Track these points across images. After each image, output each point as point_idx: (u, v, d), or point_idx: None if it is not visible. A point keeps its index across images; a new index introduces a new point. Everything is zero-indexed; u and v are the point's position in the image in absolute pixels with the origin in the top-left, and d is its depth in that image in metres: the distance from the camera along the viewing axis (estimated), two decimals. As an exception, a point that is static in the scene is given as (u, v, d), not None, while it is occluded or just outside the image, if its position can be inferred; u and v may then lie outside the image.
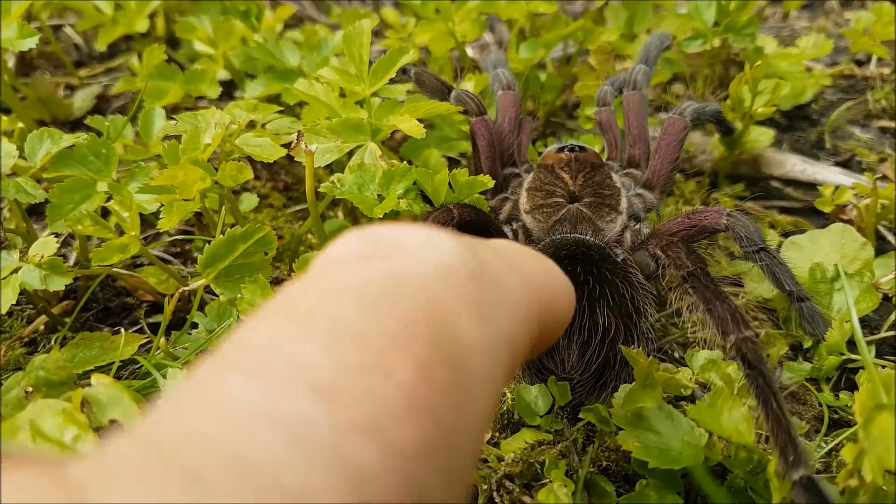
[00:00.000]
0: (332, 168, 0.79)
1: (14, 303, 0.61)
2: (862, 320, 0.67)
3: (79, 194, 0.67)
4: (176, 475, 0.21)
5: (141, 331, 0.72)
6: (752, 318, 0.69)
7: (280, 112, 0.78)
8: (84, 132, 0.74)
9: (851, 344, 0.62)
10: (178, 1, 1.09)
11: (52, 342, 0.69)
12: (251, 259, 0.63)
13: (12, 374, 0.58)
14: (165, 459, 0.22)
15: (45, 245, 0.63)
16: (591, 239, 0.66)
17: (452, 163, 0.90)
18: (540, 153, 0.79)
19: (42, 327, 0.71)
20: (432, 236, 0.31)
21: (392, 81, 0.72)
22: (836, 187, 0.80)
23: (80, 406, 0.53)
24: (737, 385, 0.57)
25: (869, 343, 0.66)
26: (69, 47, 1.14)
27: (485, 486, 0.55)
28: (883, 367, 0.62)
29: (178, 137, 0.68)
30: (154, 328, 0.72)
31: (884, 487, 0.46)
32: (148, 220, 0.72)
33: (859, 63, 1.07)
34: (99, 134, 0.75)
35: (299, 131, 0.66)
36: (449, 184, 0.66)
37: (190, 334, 0.66)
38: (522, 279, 0.34)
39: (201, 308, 0.66)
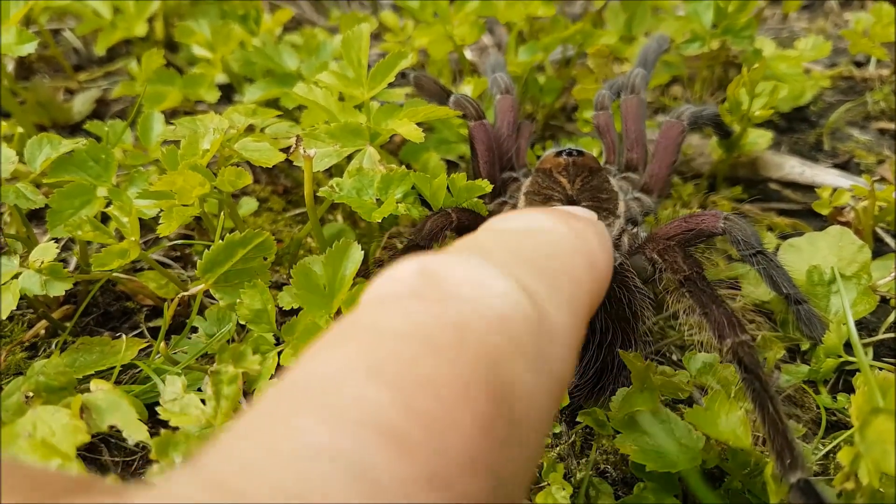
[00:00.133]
0: (331, 172, 0.79)
1: (14, 308, 0.62)
2: (859, 322, 0.67)
3: (78, 199, 0.67)
4: None
5: (141, 335, 0.72)
6: (750, 321, 0.69)
7: (279, 116, 0.78)
8: (83, 137, 0.74)
9: (849, 346, 0.62)
10: (177, 3, 1.10)
11: (53, 347, 0.69)
12: (250, 264, 0.63)
13: (13, 378, 0.58)
14: (230, 500, 0.22)
15: (46, 250, 0.63)
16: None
17: (451, 166, 0.90)
18: (538, 157, 0.79)
19: (42, 332, 0.71)
20: (484, 274, 0.30)
21: (391, 85, 0.72)
22: (834, 189, 0.80)
23: (79, 412, 0.54)
24: (734, 388, 0.57)
25: (866, 345, 0.67)
26: (68, 51, 1.14)
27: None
28: (880, 369, 0.62)
29: (177, 143, 0.68)
30: (154, 332, 0.72)
31: (880, 490, 0.46)
32: (148, 225, 0.72)
33: (858, 64, 1.07)
34: (98, 139, 0.75)
35: (298, 136, 0.66)
36: (447, 188, 0.66)
37: (190, 338, 0.66)
38: (572, 301, 0.34)
39: (201, 312, 0.67)
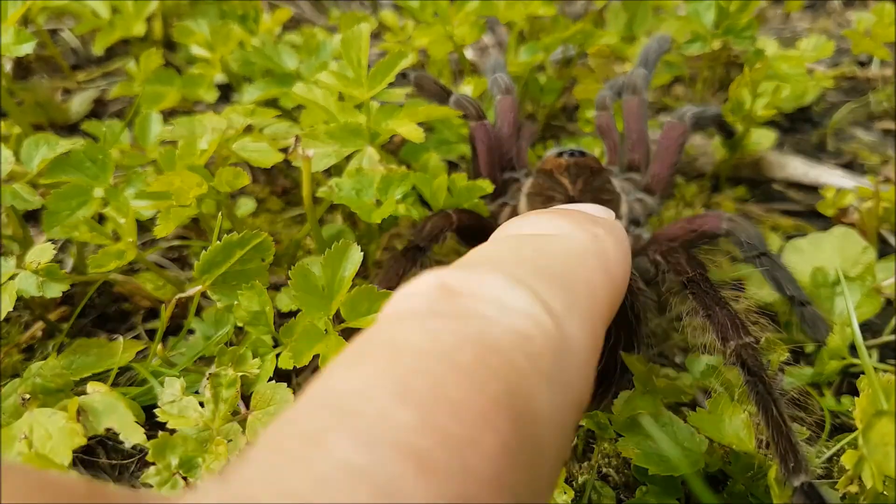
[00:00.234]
0: (330, 172, 0.78)
1: (11, 309, 0.61)
2: (864, 324, 0.66)
3: (75, 200, 0.67)
4: None
5: (138, 336, 0.72)
6: (753, 323, 0.68)
7: (278, 116, 0.77)
8: (81, 137, 0.74)
9: (854, 348, 0.61)
10: (176, 2, 1.09)
11: (50, 348, 0.68)
12: (248, 265, 0.63)
13: (10, 381, 0.58)
14: None
15: (42, 251, 0.62)
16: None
17: (451, 166, 0.89)
18: (539, 157, 0.78)
19: (39, 333, 0.70)
20: (504, 291, 0.30)
21: (391, 85, 0.72)
22: (838, 190, 0.79)
23: (76, 414, 0.53)
24: (737, 391, 0.57)
25: (871, 347, 0.66)
26: (66, 51, 1.14)
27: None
28: (885, 371, 0.62)
29: (174, 143, 0.68)
30: (151, 334, 0.72)
31: (884, 493, 0.46)
32: (145, 226, 0.72)
33: (861, 64, 1.06)
34: (96, 139, 0.74)
35: (297, 136, 0.66)
36: (448, 188, 0.66)
37: (187, 340, 0.66)
38: (590, 315, 0.33)
39: (198, 314, 0.66)
